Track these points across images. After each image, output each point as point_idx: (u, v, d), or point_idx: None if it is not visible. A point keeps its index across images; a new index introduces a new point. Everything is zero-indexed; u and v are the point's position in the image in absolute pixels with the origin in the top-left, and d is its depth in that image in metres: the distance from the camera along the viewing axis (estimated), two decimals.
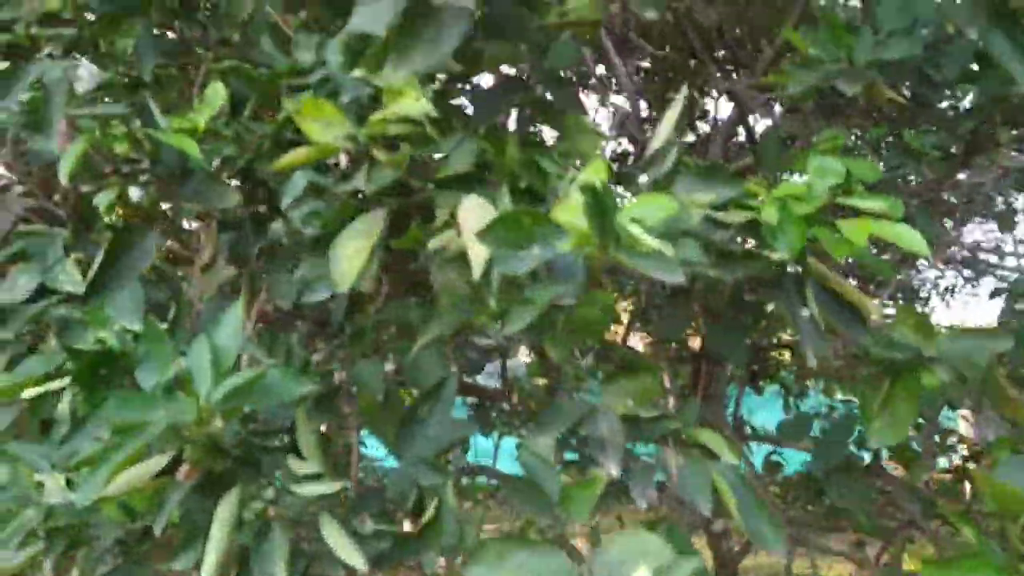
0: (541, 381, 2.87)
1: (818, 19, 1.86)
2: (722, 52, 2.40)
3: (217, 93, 1.42)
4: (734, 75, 2.24)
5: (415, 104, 0.98)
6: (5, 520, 1.20)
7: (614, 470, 1.02)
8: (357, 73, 1.29)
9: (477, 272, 0.85)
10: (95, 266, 1.51)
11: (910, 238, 1.09)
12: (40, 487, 1.25)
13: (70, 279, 1.64)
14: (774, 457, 2.79)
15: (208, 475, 1.06)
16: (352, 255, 1.06)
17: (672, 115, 1.00)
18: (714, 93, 2.77)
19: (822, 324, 1.08)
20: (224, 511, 1.03)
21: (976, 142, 1.82)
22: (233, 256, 1.62)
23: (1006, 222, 3.48)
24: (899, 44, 1.29)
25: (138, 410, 0.98)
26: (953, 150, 1.99)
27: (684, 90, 1.03)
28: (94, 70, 1.38)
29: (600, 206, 0.76)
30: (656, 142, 1.00)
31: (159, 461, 1.04)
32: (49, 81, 1.55)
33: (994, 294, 3.10)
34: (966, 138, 1.81)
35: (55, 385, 1.40)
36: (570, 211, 0.79)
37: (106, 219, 1.59)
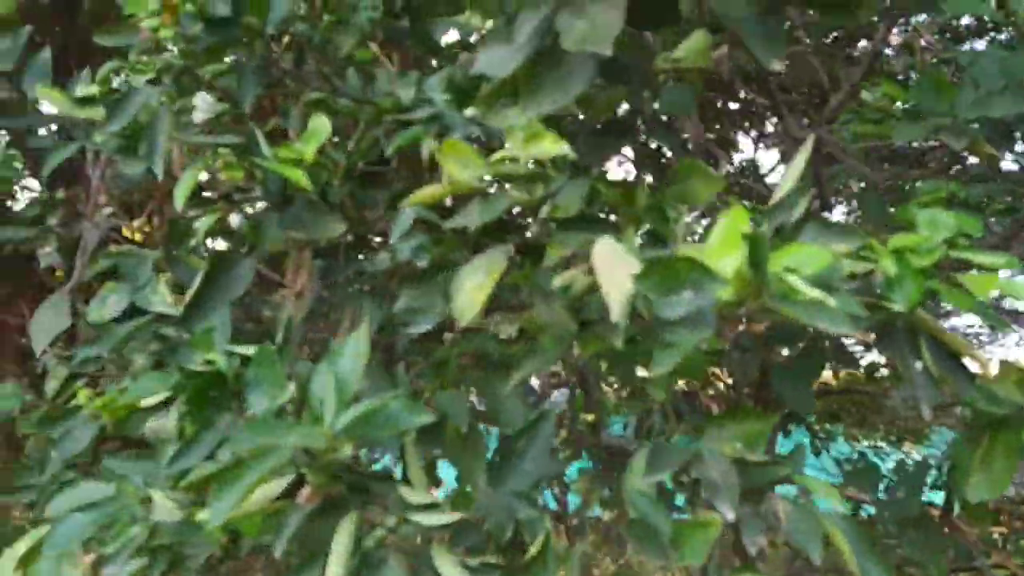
0: (590, 417, 2.89)
1: (881, 72, 1.89)
2: (786, 97, 2.43)
3: (323, 125, 1.46)
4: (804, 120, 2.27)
5: (555, 146, 1.01)
6: (114, 537, 1.22)
7: (730, 514, 1.02)
8: (469, 112, 1.33)
9: (616, 314, 0.87)
10: (193, 289, 1.54)
11: (1018, 289, 1.11)
12: (144, 503, 1.27)
13: (162, 300, 1.68)
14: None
15: (326, 500, 1.08)
16: (474, 290, 1.09)
17: (800, 163, 1.02)
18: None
19: (935, 376, 1.09)
20: (343, 535, 1.04)
21: None
22: (324, 283, 1.65)
23: None
24: (1003, 101, 1.31)
25: (272, 434, 1.00)
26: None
27: (811, 139, 1.06)
28: (210, 100, 1.42)
29: (760, 255, 0.78)
30: (782, 189, 1.02)
31: (280, 484, 1.06)
32: (153, 108, 1.60)
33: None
34: None
35: (150, 401, 1.44)
36: (726, 258, 0.81)
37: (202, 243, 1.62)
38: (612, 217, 1.14)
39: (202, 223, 1.54)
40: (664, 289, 0.81)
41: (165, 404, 1.42)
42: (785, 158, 2.19)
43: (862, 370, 3.37)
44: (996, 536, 2.40)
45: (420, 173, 1.92)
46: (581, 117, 1.35)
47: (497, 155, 1.07)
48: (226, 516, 0.96)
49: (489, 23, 1.64)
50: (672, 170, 1.14)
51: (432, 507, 1.09)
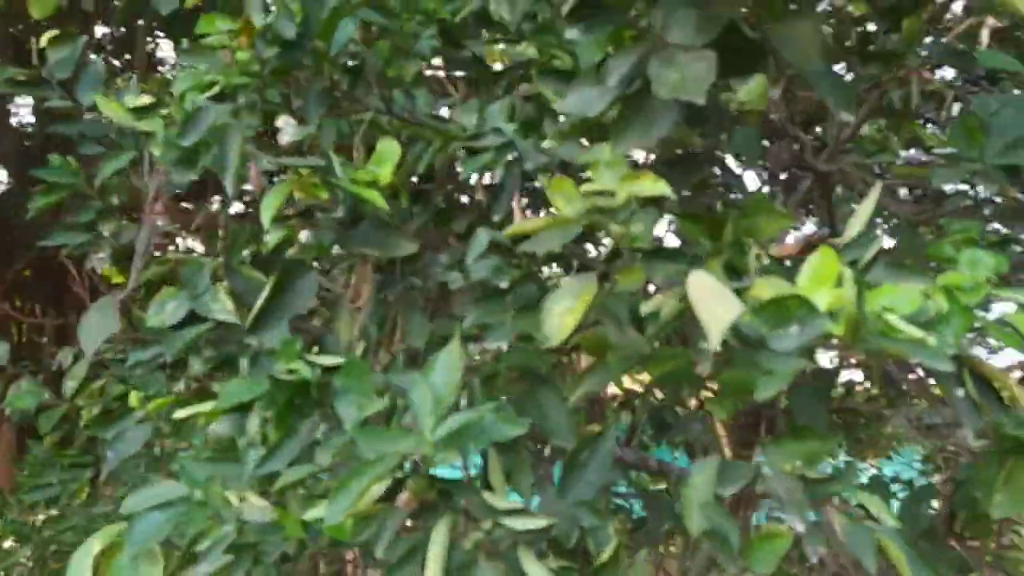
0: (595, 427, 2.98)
1: (888, 110, 2.01)
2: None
3: (394, 148, 1.54)
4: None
5: (656, 186, 1.11)
6: (204, 535, 1.28)
7: (799, 526, 1.12)
8: (546, 144, 1.42)
9: (715, 342, 0.97)
10: (261, 299, 1.61)
11: None
12: (228, 504, 1.34)
13: (222, 308, 1.75)
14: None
15: (423, 504, 1.16)
16: (564, 312, 1.17)
17: (870, 205, 1.13)
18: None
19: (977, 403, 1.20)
20: (440, 537, 1.12)
21: None
22: (379, 298, 1.73)
23: None
24: None
25: (383, 442, 1.08)
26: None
27: (879, 185, 1.17)
28: (293, 123, 1.49)
29: (862, 293, 0.88)
30: (853, 228, 1.12)
31: (381, 488, 1.14)
32: (225, 125, 1.67)
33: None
34: None
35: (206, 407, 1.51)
36: (819, 295, 0.91)
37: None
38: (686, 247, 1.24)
39: (272, 236, 1.61)
40: (776, 323, 0.90)
41: (238, 410, 1.49)
42: (788, 185, 2.31)
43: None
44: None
45: (457, 192, 2.02)
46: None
47: (592, 187, 1.16)
48: (343, 515, 1.04)
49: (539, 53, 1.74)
50: (743, 205, 1.24)
51: (521, 513, 1.17)
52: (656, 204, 1.28)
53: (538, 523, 1.16)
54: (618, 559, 1.23)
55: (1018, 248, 2.15)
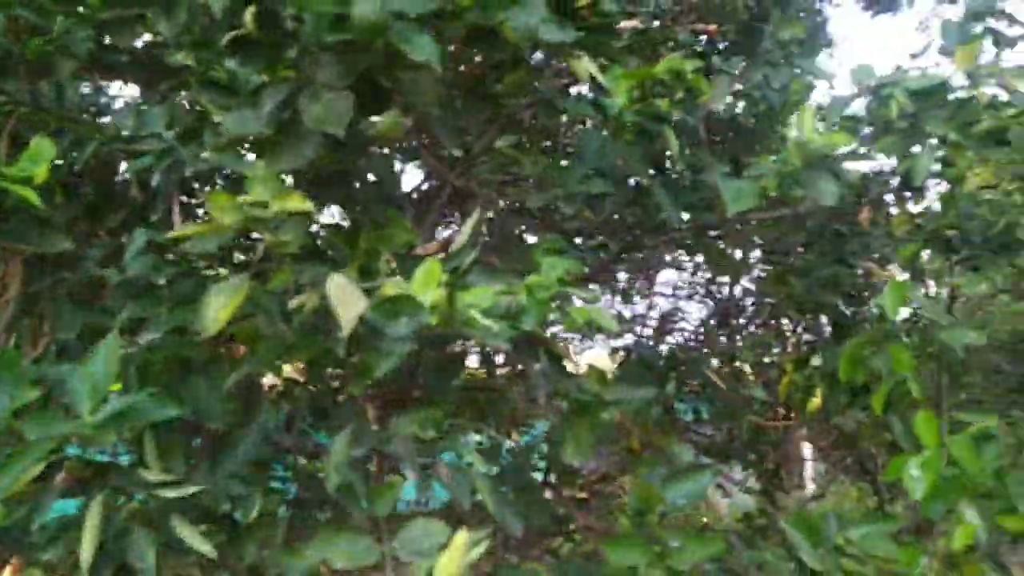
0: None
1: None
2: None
3: (47, 146, 1.58)
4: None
5: (303, 204, 1.32)
6: None
7: (412, 475, 1.41)
8: (205, 155, 1.56)
9: (346, 331, 1.21)
10: None
11: (600, 316, 1.65)
12: None
13: None
14: None
15: (78, 481, 1.26)
16: (220, 307, 1.34)
17: (473, 222, 1.45)
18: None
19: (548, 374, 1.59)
20: (94, 511, 1.24)
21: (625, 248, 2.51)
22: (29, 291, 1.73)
23: (627, 297, 4.48)
24: (597, 183, 1.87)
25: (45, 427, 1.17)
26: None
27: (478, 212, 1.49)
28: None
29: (453, 294, 1.17)
30: (460, 240, 1.44)
31: (38, 468, 1.22)
32: None
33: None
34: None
35: None
36: (426, 295, 1.19)
37: None
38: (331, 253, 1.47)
39: None
40: (391, 316, 1.17)
41: None
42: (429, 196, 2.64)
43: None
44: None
45: (110, 187, 2.05)
46: None
47: (248, 199, 1.34)
48: (6, 494, 1.12)
49: None
50: (377, 219, 1.51)
51: (173, 484, 1.32)
52: (306, 215, 1.50)
53: (187, 490, 1.32)
54: (262, 523, 1.42)
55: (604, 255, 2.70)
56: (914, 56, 2.22)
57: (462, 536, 1.26)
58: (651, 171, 1.99)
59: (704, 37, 2.62)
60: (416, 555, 1.35)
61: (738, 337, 2.99)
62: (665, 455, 2.07)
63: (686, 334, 4.02)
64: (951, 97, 1.82)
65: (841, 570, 1.68)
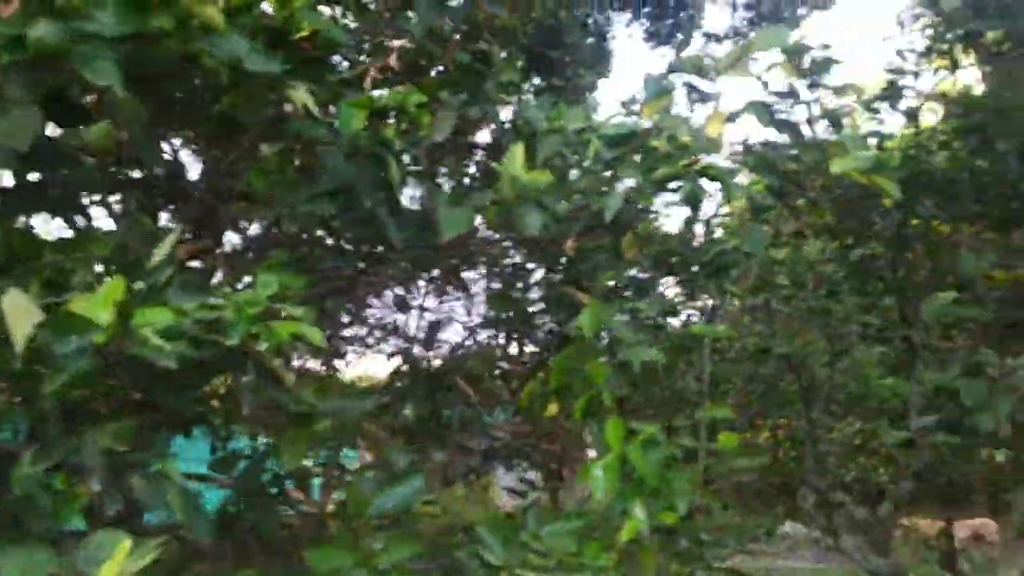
0: None
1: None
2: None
3: None
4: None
5: None
6: None
7: (96, 487, 1.44)
8: None
9: (19, 347, 1.23)
10: None
11: (309, 331, 1.74)
12: None
13: None
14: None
15: None
16: None
17: (171, 240, 1.49)
18: None
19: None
20: None
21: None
22: None
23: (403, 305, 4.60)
24: (322, 203, 1.96)
25: None
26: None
27: (178, 227, 1.54)
28: None
29: (125, 313, 1.21)
30: (157, 256, 1.48)
31: None
32: None
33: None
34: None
35: None
36: (102, 313, 1.22)
37: None
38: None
39: None
40: (63, 333, 1.20)
41: None
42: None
43: None
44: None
45: None
46: None
47: None
48: None
49: None
50: (75, 235, 1.52)
51: None
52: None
53: None
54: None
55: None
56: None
57: (126, 544, 1.31)
58: (380, 194, 2.11)
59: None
60: (96, 565, 1.38)
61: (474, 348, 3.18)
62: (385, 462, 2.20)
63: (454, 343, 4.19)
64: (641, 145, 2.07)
65: (527, 565, 1.86)
